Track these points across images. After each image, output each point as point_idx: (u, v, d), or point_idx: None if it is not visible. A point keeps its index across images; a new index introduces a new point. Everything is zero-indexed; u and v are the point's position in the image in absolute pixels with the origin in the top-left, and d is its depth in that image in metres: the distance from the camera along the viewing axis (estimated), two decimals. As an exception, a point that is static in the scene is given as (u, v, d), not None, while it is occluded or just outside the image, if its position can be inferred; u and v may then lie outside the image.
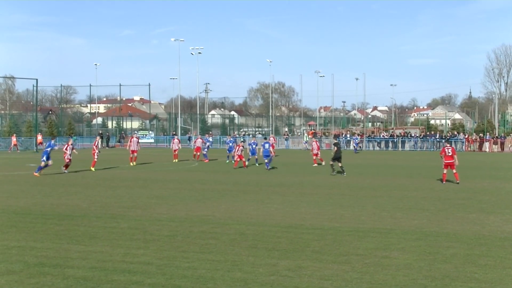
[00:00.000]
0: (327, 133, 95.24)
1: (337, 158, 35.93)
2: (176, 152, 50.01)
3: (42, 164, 34.65)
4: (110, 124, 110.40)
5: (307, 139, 78.08)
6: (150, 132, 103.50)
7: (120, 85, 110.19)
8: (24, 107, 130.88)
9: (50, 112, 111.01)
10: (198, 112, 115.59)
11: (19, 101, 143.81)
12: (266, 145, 40.32)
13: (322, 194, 25.27)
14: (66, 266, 12.29)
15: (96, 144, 40.81)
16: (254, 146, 44.43)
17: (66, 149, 37.41)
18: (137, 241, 14.99)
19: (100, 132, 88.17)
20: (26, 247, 14.15)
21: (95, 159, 39.35)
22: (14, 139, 73.27)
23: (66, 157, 36.90)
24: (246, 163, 41.77)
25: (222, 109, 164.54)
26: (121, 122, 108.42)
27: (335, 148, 36.59)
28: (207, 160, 47.79)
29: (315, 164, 43.51)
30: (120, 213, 19.59)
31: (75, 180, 32.03)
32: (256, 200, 23.18)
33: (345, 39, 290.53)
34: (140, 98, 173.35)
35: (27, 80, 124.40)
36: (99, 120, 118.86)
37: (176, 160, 48.27)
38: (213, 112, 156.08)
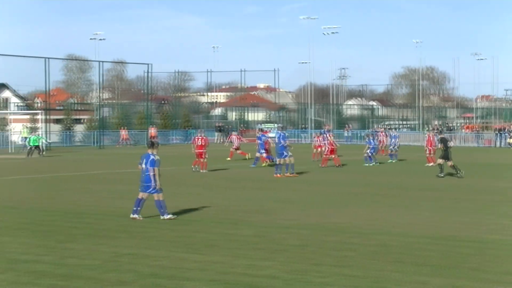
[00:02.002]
0: (488, 127, 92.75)
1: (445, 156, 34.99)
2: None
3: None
4: (231, 116, 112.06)
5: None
6: (277, 125, 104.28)
7: (242, 70, 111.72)
8: (135, 96, 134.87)
9: (164, 102, 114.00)
10: (332, 102, 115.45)
11: (130, 89, 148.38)
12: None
13: (481, 201, 24.68)
14: (182, 278, 12.61)
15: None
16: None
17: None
18: (261, 251, 15.16)
19: (219, 125, 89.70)
20: (138, 255, 14.63)
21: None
22: (124, 132, 75.68)
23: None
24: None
25: (361, 99, 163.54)
26: (244, 113, 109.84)
27: (441, 145, 35.49)
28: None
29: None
30: (242, 219, 19.89)
31: (192, 180, 32.76)
32: (401, 206, 22.93)
33: (510, 14, 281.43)
34: (266, 86, 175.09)
35: (139, 65, 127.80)
36: (219, 111, 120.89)
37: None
38: (350, 102, 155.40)
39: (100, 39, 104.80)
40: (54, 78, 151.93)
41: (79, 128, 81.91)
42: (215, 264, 13.80)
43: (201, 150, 37.61)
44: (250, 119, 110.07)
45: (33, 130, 70.80)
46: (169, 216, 19.63)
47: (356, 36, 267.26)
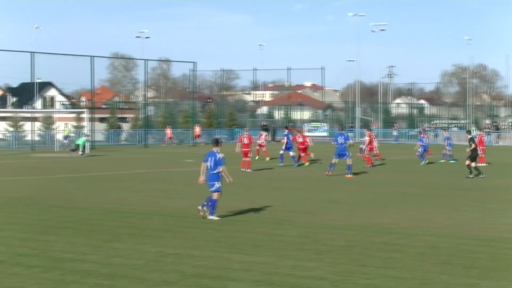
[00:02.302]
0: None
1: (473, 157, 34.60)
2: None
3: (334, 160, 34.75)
4: (276, 114, 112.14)
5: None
6: (323, 124, 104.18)
7: (288, 68, 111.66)
8: (180, 94, 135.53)
9: (209, 100, 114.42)
10: (380, 101, 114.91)
11: (175, 88, 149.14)
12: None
13: (533, 202, 24.41)
14: (227, 278, 12.68)
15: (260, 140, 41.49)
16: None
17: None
18: (307, 251, 15.18)
19: (264, 124, 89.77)
20: (182, 255, 14.74)
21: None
22: (168, 131, 76.12)
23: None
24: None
25: (409, 97, 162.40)
26: (290, 112, 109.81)
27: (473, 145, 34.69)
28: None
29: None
30: (288, 219, 19.92)
31: (237, 179, 32.85)
32: (449, 207, 22.77)
33: None
34: (312, 84, 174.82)
35: (184, 63, 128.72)
36: (264, 109, 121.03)
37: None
38: (398, 100, 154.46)
39: (146, 37, 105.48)
40: (99, 76, 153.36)
41: (124, 127, 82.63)
42: (260, 264, 13.85)
43: (247, 149, 37.77)
44: (296, 118, 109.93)
45: (79, 130, 71.67)
46: (214, 217, 19.73)
47: (404, 34, 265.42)
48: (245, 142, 37.87)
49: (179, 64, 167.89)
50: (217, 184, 19.71)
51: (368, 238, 16.83)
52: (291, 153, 41.32)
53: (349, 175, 33.54)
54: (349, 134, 37.80)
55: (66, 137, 64.91)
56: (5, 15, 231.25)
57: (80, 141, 54.01)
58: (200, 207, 19.89)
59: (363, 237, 16.96)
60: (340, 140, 34.23)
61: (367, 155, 41.20)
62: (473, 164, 33.99)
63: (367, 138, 42.03)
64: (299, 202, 23.79)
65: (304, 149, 41.80)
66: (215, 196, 19.77)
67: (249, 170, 36.85)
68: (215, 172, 19.72)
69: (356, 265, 13.83)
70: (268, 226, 18.64)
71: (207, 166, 19.78)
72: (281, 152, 41.85)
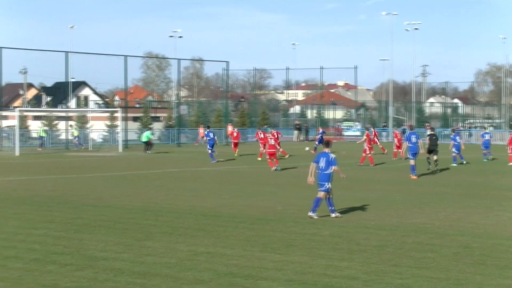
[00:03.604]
0: None
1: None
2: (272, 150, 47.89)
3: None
4: (309, 114, 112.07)
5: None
6: (356, 123, 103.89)
7: (321, 68, 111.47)
8: (213, 93, 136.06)
9: (242, 100, 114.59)
10: (413, 100, 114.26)
11: (208, 87, 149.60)
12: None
13: None
14: (259, 278, 12.69)
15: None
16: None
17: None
18: (340, 251, 15.15)
19: (297, 123, 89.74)
20: (215, 254, 14.77)
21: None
22: (201, 130, 76.28)
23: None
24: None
25: (443, 96, 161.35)
26: (322, 111, 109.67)
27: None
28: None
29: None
30: (321, 218, 19.87)
31: (268, 179, 32.89)
32: (483, 207, 22.60)
33: None
34: (345, 83, 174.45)
35: (217, 62, 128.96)
36: (297, 108, 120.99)
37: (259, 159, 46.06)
38: (431, 99, 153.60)
39: (179, 37, 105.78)
40: (133, 75, 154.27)
41: (157, 126, 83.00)
42: (292, 264, 13.84)
43: (273, 150, 37.88)
44: (328, 117, 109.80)
45: (113, 129, 72.03)
46: (314, 215, 19.87)
47: (438, 32, 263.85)
48: (271, 143, 37.93)
49: (212, 63, 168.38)
50: (327, 185, 19.91)
51: (401, 238, 16.75)
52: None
53: (414, 176, 33.01)
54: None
55: (76, 137, 64.88)
56: (41, 15, 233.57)
57: (146, 138, 54.43)
58: (311, 214, 19.99)
59: (396, 237, 16.89)
60: (414, 139, 33.90)
61: (369, 155, 40.77)
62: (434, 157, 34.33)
63: (364, 137, 41.67)
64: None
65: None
66: (321, 195, 19.94)
67: (273, 168, 37.07)
68: (327, 172, 19.92)
69: (389, 265, 13.78)
70: (301, 226, 18.63)
71: (319, 167, 19.99)
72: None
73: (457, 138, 42.89)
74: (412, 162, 33.27)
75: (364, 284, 12.29)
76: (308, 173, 20.26)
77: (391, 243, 16.13)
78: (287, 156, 47.79)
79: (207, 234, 17.31)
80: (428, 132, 39.10)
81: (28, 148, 59.46)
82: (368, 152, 40.67)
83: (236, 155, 49.78)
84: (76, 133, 65.62)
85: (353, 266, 13.62)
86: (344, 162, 38.29)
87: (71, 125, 68.82)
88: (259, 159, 45.31)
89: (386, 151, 50.24)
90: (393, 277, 12.79)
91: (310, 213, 19.91)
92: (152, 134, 58.57)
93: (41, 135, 64.38)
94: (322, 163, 19.98)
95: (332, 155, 20.05)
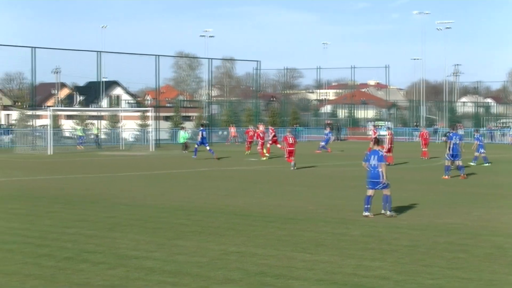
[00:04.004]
0: None
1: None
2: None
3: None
4: (340, 113, 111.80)
5: None
6: (388, 122, 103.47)
7: (352, 67, 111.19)
8: (244, 93, 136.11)
9: (273, 99, 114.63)
10: (445, 100, 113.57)
11: (239, 86, 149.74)
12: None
13: None
14: (290, 277, 12.67)
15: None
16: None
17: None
18: (371, 251, 15.09)
19: (328, 122, 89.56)
20: (246, 253, 14.78)
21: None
22: (232, 129, 76.40)
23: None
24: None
25: (475, 96, 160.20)
26: (353, 110, 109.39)
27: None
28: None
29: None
30: (352, 218, 19.82)
31: (299, 178, 32.87)
32: (516, 207, 22.44)
33: None
34: (376, 83, 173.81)
35: (248, 62, 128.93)
36: (328, 108, 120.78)
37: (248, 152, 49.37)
38: (464, 99, 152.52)
39: (210, 36, 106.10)
40: (164, 75, 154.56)
41: (188, 125, 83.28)
42: (323, 263, 13.82)
43: (293, 148, 38.33)
44: (359, 116, 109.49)
45: (143, 128, 72.27)
46: (391, 213, 19.94)
47: (470, 31, 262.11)
48: (290, 142, 38.20)
49: (243, 63, 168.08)
50: (382, 182, 19.96)
51: (433, 238, 16.66)
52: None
53: (463, 175, 32.73)
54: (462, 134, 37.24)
55: (80, 137, 64.78)
56: (73, 15, 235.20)
57: (182, 138, 54.71)
58: (366, 213, 19.95)
59: (427, 237, 16.79)
60: (455, 140, 33.61)
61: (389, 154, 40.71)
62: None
63: (387, 137, 41.48)
64: (362, 201, 23.61)
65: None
66: (387, 192, 20.02)
67: (292, 168, 37.36)
68: (379, 169, 19.97)
69: (420, 265, 13.71)
70: (331, 225, 18.59)
71: (371, 165, 20.06)
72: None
73: (481, 137, 42.40)
74: (447, 162, 33.01)
75: (395, 284, 12.23)
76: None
77: (422, 243, 16.04)
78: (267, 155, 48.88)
79: (237, 233, 17.32)
80: (450, 131, 39.07)
81: (61, 147, 59.88)
82: (386, 151, 40.60)
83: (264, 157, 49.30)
84: (80, 133, 65.41)
85: (384, 266, 13.56)
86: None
87: (79, 126, 68.67)
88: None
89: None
90: (424, 277, 12.71)
91: (389, 213, 19.93)
92: (188, 134, 58.65)
93: (79, 134, 64.76)
94: (373, 161, 20.00)
95: (383, 153, 20.13)
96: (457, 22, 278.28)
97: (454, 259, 14.27)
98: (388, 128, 45.30)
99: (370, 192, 20.07)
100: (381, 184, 19.93)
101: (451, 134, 34.45)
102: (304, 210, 21.55)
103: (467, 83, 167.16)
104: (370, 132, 41.42)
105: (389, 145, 40.30)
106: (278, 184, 29.86)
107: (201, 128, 49.44)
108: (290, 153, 38.09)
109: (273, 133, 53.24)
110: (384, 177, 19.94)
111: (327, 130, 63.07)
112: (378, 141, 20.79)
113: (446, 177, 32.40)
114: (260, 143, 48.41)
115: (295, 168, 37.01)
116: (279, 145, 48.43)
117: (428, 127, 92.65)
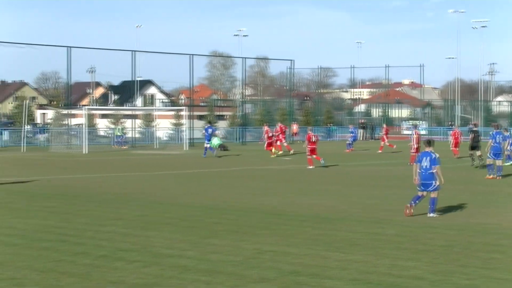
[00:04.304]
0: None
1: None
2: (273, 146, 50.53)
3: None
4: (374, 112, 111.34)
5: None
6: (422, 122, 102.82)
7: (387, 66, 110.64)
8: (278, 92, 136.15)
9: (306, 98, 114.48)
10: (480, 99, 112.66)
11: (272, 86, 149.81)
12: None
13: None
14: (324, 276, 12.66)
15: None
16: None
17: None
18: (405, 251, 15.02)
19: (362, 121, 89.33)
20: (279, 252, 14.78)
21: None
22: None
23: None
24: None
25: (511, 95, 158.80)
26: (388, 109, 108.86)
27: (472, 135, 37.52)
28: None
29: None
30: (386, 218, 19.75)
31: (332, 177, 32.81)
32: (554, 208, 22.20)
33: None
34: (411, 82, 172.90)
35: (282, 61, 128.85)
36: (362, 107, 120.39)
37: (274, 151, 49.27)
38: (499, 98, 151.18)
39: (244, 36, 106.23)
40: (198, 74, 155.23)
41: (222, 125, 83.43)
42: (357, 263, 13.78)
43: (314, 146, 38.44)
44: (394, 116, 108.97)
45: (177, 127, 72.48)
46: (433, 214, 19.89)
47: (506, 30, 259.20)
48: (312, 140, 38.25)
49: (277, 62, 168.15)
50: (435, 183, 19.86)
51: (468, 238, 16.54)
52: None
53: (498, 177, 32.51)
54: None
55: (118, 136, 64.71)
56: (108, 14, 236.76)
57: (216, 144, 54.90)
58: (409, 205, 19.99)
59: (463, 237, 16.68)
60: (499, 139, 33.36)
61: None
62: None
63: (414, 136, 41.20)
64: (397, 201, 23.54)
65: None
66: (435, 194, 19.96)
67: (311, 167, 37.68)
68: (431, 171, 19.85)
69: (455, 265, 13.62)
70: (365, 225, 18.53)
71: (422, 166, 19.94)
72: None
73: (498, 136, 41.85)
74: (489, 161, 32.72)
75: (430, 284, 12.16)
76: (413, 174, 20.20)
77: (457, 243, 15.93)
78: (291, 151, 50.32)
79: (271, 232, 17.33)
80: (473, 128, 39.20)
81: (96, 146, 60.24)
82: (414, 151, 40.37)
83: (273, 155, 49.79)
84: (119, 133, 65.39)
85: (419, 266, 13.49)
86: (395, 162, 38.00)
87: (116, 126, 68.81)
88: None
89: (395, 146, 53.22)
90: (460, 277, 12.63)
91: (430, 214, 19.86)
92: (220, 140, 58.24)
93: (117, 133, 65.03)
94: (425, 163, 19.86)
95: (436, 155, 19.87)
96: (492, 21, 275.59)
97: (490, 259, 14.16)
98: (415, 128, 44.99)
99: (420, 193, 20.05)
100: (432, 186, 19.83)
101: (493, 133, 34.04)
102: (337, 209, 21.51)
103: (502, 82, 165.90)
104: (409, 132, 41.14)
105: (416, 145, 40.09)
106: (312, 183, 29.82)
107: (208, 126, 51.05)
108: (312, 151, 38.10)
109: (276, 133, 53.64)
110: (439, 180, 19.84)
111: (351, 128, 63.13)
112: (430, 142, 20.39)
113: (490, 176, 32.05)
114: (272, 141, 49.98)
115: (325, 165, 37.09)
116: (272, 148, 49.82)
117: (463, 127, 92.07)
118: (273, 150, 48.82)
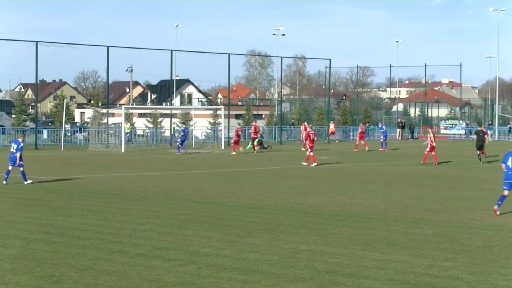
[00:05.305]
0: None
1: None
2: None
3: None
4: (412, 111, 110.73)
5: None
6: (461, 121, 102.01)
7: (425, 65, 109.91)
8: (315, 91, 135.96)
9: (344, 97, 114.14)
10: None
11: (310, 85, 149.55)
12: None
13: None
14: (360, 276, 12.61)
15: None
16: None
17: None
18: (443, 251, 14.92)
19: (400, 121, 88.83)
20: (316, 252, 14.76)
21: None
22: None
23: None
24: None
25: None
26: (426, 109, 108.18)
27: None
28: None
29: None
30: (424, 217, 19.63)
31: (372, 177, 32.67)
32: None
33: None
34: (449, 81, 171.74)
35: (319, 60, 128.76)
36: (400, 106, 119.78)
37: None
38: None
39: (282, 35, 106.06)
40: (236, 73, 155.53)
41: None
42: (394, 263, 13.71)
43: (311, 144, 39.13)
44: (432, 115, 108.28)
45: (215, 126, 72.60)
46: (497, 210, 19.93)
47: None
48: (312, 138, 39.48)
49: (314, 61, 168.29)
50: None
51: (507, 239, 16.39)
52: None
53: None
54: None
55: (127, 134, 64.33)
56: (147, 14, 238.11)
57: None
58: (496, 206, 20.03)
59: (501, 238, 16.53)
60: None
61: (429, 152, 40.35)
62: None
63: (431, 135, 40.88)
64: (435, 201, 23.39)
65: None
66: (505, 193, 20.07)
67: (305, 164, 38.61)
68: None
69: (494, 265, 13.50)
70: (403, 225, 18.43)
71: (509, 166, 19.93)
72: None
73: None
74: None
75: (468, 285, 12.06)
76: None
77: (496, 243, 15.79)
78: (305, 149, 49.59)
79: (308, 231, 17.31)
80: (477, 128, 39.66)
81: (134, 145, 60.47)
82: (428, 150, 40.20)
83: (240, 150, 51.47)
84: (128, 130, 65.11)
85: (457, 267, 13.38)
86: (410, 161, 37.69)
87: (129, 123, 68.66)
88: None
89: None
90: (498, 278, 12.52)
91: (495, 207, 19.95)
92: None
93: (127, 131, 65.09)
94: (510, 162, 19.83)
95: None
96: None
97: (529, 260, 14.02)
98: (430, 127, 44.86)
99: (506, 192, 20.05)
100: None
101: None
102: (375, 209, 21.42)
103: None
104: (446, 132, 41.19)
105: (432, 144, 40.02)
106: (349, 183, 29.71)
107: (184, 127, 54.45)
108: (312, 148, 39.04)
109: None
110: None
111: (380, 125, 63.14)
112: None
113: None
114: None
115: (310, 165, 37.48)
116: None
117: (503, 126, 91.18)
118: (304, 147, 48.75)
